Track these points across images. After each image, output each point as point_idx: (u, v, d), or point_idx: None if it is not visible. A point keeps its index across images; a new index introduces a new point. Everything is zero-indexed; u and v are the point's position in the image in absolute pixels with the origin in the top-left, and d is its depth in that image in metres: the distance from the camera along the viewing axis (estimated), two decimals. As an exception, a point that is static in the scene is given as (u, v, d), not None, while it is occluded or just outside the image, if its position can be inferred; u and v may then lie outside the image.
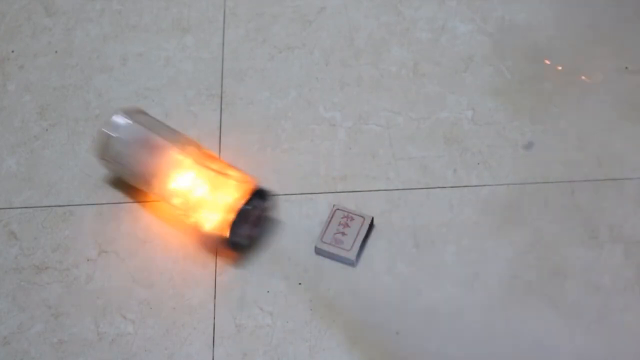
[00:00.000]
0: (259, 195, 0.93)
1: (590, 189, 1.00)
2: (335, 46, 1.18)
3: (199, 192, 0.92)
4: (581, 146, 1.04)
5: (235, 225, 0.90)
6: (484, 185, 1.01)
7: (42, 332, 0.91)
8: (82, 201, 1.02)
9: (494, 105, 1.09)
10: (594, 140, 1.05)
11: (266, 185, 0.94)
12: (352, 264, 0.93)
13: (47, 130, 1.09)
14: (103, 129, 0.96)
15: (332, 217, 0.96)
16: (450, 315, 0.90)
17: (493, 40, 1.16)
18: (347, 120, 1.09)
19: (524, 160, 1.03)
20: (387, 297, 0.91)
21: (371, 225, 0.96)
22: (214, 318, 0.91)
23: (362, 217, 0.96)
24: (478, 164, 1.03)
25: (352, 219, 0.96)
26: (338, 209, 0.97)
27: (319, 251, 0.94)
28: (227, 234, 0.90)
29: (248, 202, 0.91)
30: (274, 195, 0.97)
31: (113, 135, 0.95)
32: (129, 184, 1.00)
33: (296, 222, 0.98)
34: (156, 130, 0.97)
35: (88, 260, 0.96)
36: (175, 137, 0.97)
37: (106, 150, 0.96)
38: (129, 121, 0.96)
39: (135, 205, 1.00)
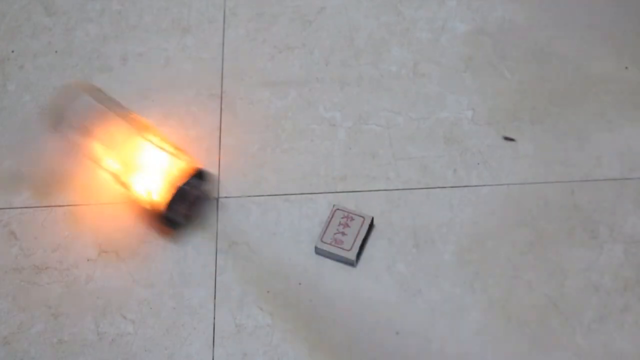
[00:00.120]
0: (199, 177, 0.96)
1: (590, 189, 1.00)
2: (335, 46, 1.18)
3: (140, 166, 0.95)
4: (581, 146, 1.04)
5: (173, 202, 0.92)
6: (484, 185, 1.01)
7: (42, 332, 0.91)
8: (82, 201, 1.02)
9: (494, 105, 1.09)
10: (594, 140, 1.05)
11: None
12: (352, 264, 0.93)
13: (47, 130, 1.09)
14: (56, 100, 0.99)
15: (332, 217, 0.96)
16: (450, 315, 0.90)
17: (493, 40, 1.16)
18: (347, 120, 1.09)
19: (524, 160, 1.03)
20: (387, 297, 0.91)
21: (371, 225, 0.96)
22: (214, 318, 0.91)
23: (362, 217, 0.96)
24: (478, 164, 1.03)
25: (352, 219, 0.96)
26: (338, 209, 0.97)
27: (319, 251, 0.94)
28: (163, 209, 0.92)
29: (188, 182, 0.93)
30: (214, 178, 0.98)
31: (66, 105, 0.98)
32: (129, 184, 1.00)
33: (296, 222, 0.98)
34: (108, 105, 1.00)
35: (88, 260, 0.96)
36: (126, 113, 1.00)
37: (60, 120, 0.99)
38: (83, 94, 1.00)
39: (135, 205, 1.00)
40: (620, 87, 1.09)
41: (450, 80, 1.12)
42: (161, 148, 0.96)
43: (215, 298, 0.92)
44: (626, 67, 1.11)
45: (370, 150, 1.05)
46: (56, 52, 1.20)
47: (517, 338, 0.88)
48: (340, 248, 0.93)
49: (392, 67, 1.14)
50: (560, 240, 0.95)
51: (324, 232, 0.95)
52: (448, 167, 1.03)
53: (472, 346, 0.87)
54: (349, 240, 0.94)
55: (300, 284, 0.93)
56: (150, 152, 0.96)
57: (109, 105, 1.00)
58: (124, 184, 0.96)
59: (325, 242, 0.94)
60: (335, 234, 0.95)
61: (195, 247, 0.96)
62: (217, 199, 1.01)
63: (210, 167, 1.03)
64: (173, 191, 0.92)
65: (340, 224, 0.96)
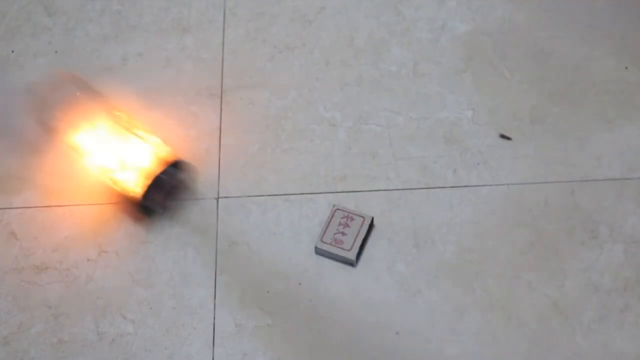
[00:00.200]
0: (177, 167, 0.97)
1: (590, 189, 1.00)
2: (335, 46, 1.18)
3: (119, 155, 0.96)
4: (581, 146, 1.04)
5: (150, 191, 0.94)
6: (484, 185, 1.01)
7: (42, 332, 0.91)
8: (82, 201, 1.02)
9: (494, 105, 1.09)
10: (594, 140, 1.05)
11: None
12: (352, 264, 0.93)
13: (47, 130, 1.09)
14: (39, 89, 1.00)
15: (332, 217, 0.96)
16: (450, 315, 0.90)
17: (493, 40, 1.16)
18: (347, 120, 1.09)
19: (524, 160, 1.03)
20: (387, 297, 0.91)
21: (371, 225, 0.96)
22: (214, 318, 0.91)
23: (362, 217, 0.96)
24: (478, 164, 1.03)
25: (352, 219, 0.96)
26: (338, 209, 0.97)
27: (319, 251, 0.94)
28: (139, 197, 0.94)
29: (165, 171, 0.95)
30: (192, 169, 0.99)
31: (49, 95, 1.00)
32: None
33: (296, 222, 0.98)
34: (90, 95, 1.01)
35: (88, 260, 0.96)
36: (107, 103, 1.01)
37: (42, 110, 1.00)
38: (66, 84, 1.01)
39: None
40: (620, 87, 1.09)
41: (450, 80, 1.12)
42: (140, 137, 0.97)
43: (215, 298, 0.92)
44: (626, 67, 1.11)
45: (370, 150, 1.05)
46: (56, 52, 1.20)
47: (517, 338, 0.88)
48: (340, 248, 0.93)
49: (392, 67, 1.14)
50: (560, 240, 0.95)
51: (324, 232, 0.95)
52: (448, 167, 1.03)
53: (472, 346, 0.87)
54: (349, 240, 0.94)
55: (300, 284, 0.93)
56: (129, 142, 0.97)
57: (90, 95, 1.01)
58: (102, 173, 0.98)
59: (325, 242, 0.94)
60: (335, 234, 0.95)
61: (195, 247, 0.97)
62: (217, 199, 1.01)
63: (210, 167, 1.03)
64: (150, 180, 0.94)
65: (340, 224, 0.96)
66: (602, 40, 1.14)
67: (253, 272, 0.94)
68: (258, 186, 1.02)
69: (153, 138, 0.99)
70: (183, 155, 0.99)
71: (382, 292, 0.92)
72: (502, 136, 1.02)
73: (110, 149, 0.97)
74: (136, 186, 0.95)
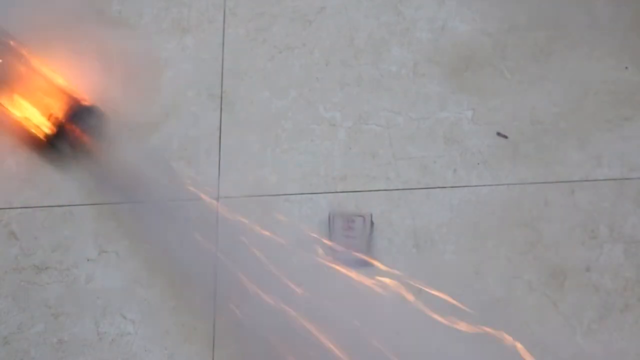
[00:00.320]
0: (88, 112, 1.01)
1: (590, 189, 1.00)
2: (335, 46, 1.18)
3: (30, 97, 1.00)
4: (581, 146, 1.04)
5: (60, 130, 0.99)
6: (484, 185, 1.01)
7: (42, 332, 0.91)
8: (82, 201, 1.02)
9: (494, 105, 1.09)
10: (594, 140, 1.05)
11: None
12: (368, 264, 0.93)
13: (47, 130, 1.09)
14: None
15: (332, 224, 0.96)
16: (450, 315, 0.90)
17: (493, 40, 1.16)
18: (347, 120, 1.09)
19: (524, 160, 1.03)
20: (387, 297, 0.91)
21: (372, 223, 0.96)
22: (214, 318, 0.91)
23: (361, 216, 0.96)
24: (478, 164, 1.03)
25: (353, 221, 0.96)
26: (335, 216, 0.96)
27: (338, 261, 0.94)
28: (50, 138, 0.99)
29: (75, 114, 0.99)
30: (104, 115, 1.02)
31: None
32: (131, 185, 1.00)
33: (296, 222, 0.98)
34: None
35: (88, 260, 0.96)
36: (17, 48, 1.04)
37: None
38: None
39: (135, 205, 1.00)
40: (620, 87, 1.09)
41: (450, 80, 1.12)
42: (51, 80, 1.01)
43: (215, 298, 0.92)
44: (626, 67, 1.11)
45: (370, 150, 1.05)
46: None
47: (517, 338, 0.88)
48: (356, 251, 0.93)
49: (392, 67, 1.14)
50: (560, 240, 0.95)
51: (334, 241, 0.94)
52: (448, 167, 1.03)
53: (473, 346, 0.87)
54: (360, 243, 0.94)
55: (300, 283, 0.93)
56: (40, 83, 1.00)
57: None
58: (12, 112, 1.01)
59: (340, 252, 0.94)
60: (345, 239, 0.94)
61: (195, 247, 0.96)
62: (217, 199, 1.01)
63: (210, 167, 1.03)
64: (60, 121, 0.98)
65: (343, 228, 0.95)
66: (602, 40, 1.14)
67: (253, 272, 0.94)
68: (258, 186, 1.02)
69: (65, 82, 1.02)
70: (103, 104, 1.03)
71: (382, 292, 0.92)
72: (499, 134, 1.02)
73: (22, 92, 1.00)
74: (47, 128, 0.98)
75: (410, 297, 0.91)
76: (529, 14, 1.19)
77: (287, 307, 0.91)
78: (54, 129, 1.00)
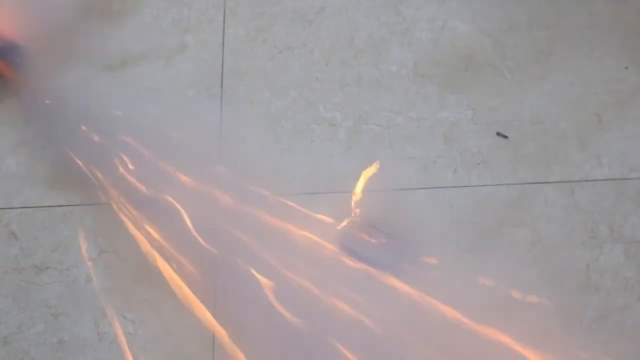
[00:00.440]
0: (12, 48, 1.02)
1: (590, 189, 1.00)
2: (335, 46, 1.18)
3: None
4: (581, 146, 1.04)
5: None
6: (484, 185, 1.01)
7: (42, 332, 0.91)
8: (82, 201, 1.02)
9: (494, 105, 1.09)
10: (594, 140, 1.05)
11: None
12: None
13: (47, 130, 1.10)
14: None
15: (350, 235, 0.96)
16: (450, 315, 0.90)
17: (493, 40, 1.16)
18: (347, 120, 1.09)
19: (524, 160, 1.03)
20: (389, 296, 0.91)
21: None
22: (214, 318, 0.91)
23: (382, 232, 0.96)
24: (478, 164, 1.03)
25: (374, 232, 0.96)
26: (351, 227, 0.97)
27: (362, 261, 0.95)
28: None
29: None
30: (27, 53, 1.03)
31: None
32: (131, 184, 1.00)
33: (296, 222, 0.98)
34: None
35: (88, 260, 0.96)
36: None
37: None
38: None
39: (136, 205, 1.00)
40: (620, 87, 1.09)
41: (450, 80, 1.12)
42: None
43: (215, 298, 0.92)
44: (626, 67, 1.11)
45: (370, 150, 1.05)
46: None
47: (518, 338, 0.88)
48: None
49: (392, 67, 1.14)
50: (560, 240, 0.95)
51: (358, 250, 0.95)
52: (448, 167, 1.03)
53: (473, 346, 0.87)
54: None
55: (300, 283, 0.93)
56: None
57: None
58: None
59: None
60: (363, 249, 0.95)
61: (195, 246, 0.96)
62: (217, 199, 1.01)
63: (210, 167, 1.03)
64: None
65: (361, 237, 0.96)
66: (602, 40, 1.14)
67: (253, 272, 0.94)
68: (258, 186, 1.02)
69: None
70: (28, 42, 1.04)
71: (383, 292, 0.92)
72: (499, 134, 1.02)
73: None
74: None
75: (410, 296, 0.91)
76: (529, 14, 1.19)
77: (287, 306, 0.91)
78: None
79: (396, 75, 1.14)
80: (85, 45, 1.11)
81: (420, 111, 1.09)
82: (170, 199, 1.00)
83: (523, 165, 1.03)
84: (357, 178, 1.02)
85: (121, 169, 1.02)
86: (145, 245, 0.97)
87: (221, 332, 0.90)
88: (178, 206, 1.00)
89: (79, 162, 1.00)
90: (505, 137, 1.03)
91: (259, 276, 0.93)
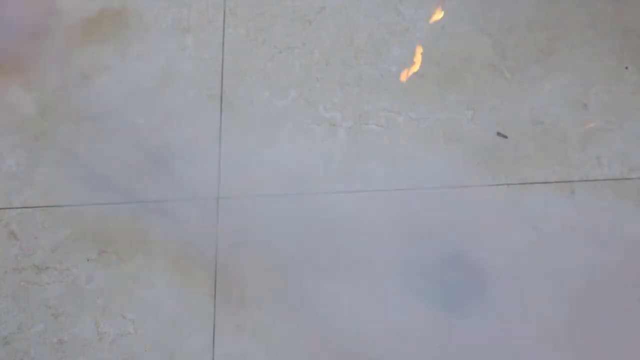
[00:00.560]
0: None
1: (590, 189, 1.00)
2: (335, 46, 1.18)
3: None
4: (581, 146, 1.04)
5: None
6: (484, 186, 1.01)
7: (42, 332, 0.91)
8: (82, 201, 1.02)
9: (494, 105, 1.09)
10: (594, 140, 1.05)
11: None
12: None
13: (47, 130, 1.09)
14: None
15: None
16: (451, 315, 0.90)
17: (493, 40, 1.16)
18: (347, 120, 1.09)
19: (524, 160, 1.03)
20: (389, 296, 0.91)
21: None
22: (214, 318, 0.91)
23: None
24: (478, 164, 1.03)
25: None
26: None
27: None
28: None
29: None
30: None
31: None
32: (131, 185, 1.00)
33: (296, 222, 0.98)
34: None
35: (88, 260, 0.96)
36: None
37: None
38: None
39: (136, 205, 1.00)
40: (620, 87, 1.09)
41: (450, 80, 1.12)
42: None
43: (215, 298, 0.92)
44: (626, 67, 1.11)
45: (370, 150, 1.05)
46: (56, 52, 1.20)
47: (518, 338, 0.88)
48: None
49: (392, 67, 1.14)
50: (560, 240, 0.95)
51: None
52: (448, 167, 1.03)
53: (473, 346, 0.87)
54: None
55: (300, 283, 0.93)
56: None
57: None
58: None
59: None
60: None
61: (195, 247, 0.96)
62: (217, 199, 1.01)
63: (210, 167, 1.03)
64: None
65: None
66: (602, 40, 1.14)
67: (253, 272, 0.94)
68: (258, 186, 1.02)
69: None
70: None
71: (384, 293, 0.92)
72: (499, 134, 1.02)
73: None
74: None
75: (411, 296, 0.91)
76: (529, 14, 1.19)
77: (287, 306, 0.91)
78: None
79: (396, 75, 1.14)
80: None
81: (420, 111, 1.09)
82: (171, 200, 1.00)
83: (523, 165, 1.03)
84: (357, 178, 1.02)
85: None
86: (146, 245, 0.97)
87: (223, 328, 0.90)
88: (179, 209, 1.00)
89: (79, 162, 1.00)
90: (505, 137, 1.03)
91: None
